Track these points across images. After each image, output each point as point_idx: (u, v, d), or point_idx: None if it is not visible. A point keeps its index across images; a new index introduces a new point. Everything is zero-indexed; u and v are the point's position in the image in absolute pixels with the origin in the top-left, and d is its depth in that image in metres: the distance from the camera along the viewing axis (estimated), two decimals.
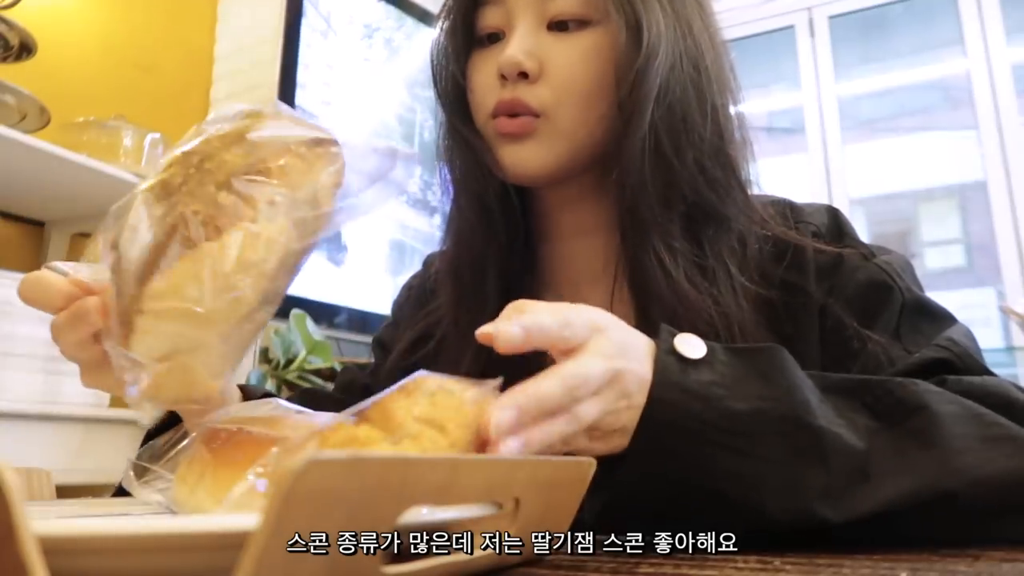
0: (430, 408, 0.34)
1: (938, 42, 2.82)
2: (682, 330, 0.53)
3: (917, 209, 2.99)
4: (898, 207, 2.94)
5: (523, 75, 0.59)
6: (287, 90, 2.06)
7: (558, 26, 0.60)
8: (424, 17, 2.54)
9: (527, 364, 0.44)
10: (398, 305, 0.78)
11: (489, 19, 0.62)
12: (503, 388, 0.38)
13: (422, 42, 2.50)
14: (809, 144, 2.72)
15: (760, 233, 0.61)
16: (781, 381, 0.43)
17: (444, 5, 0.67)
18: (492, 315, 0.55)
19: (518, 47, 0.59)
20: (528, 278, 0.66)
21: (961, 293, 2.74)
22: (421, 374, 0.36)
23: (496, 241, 0.63)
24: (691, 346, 0.44)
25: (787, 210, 0.63)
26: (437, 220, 2.17)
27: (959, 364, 0.51)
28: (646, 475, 0.41)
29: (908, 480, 0.40)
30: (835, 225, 0.62)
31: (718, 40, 0.64)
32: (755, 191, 0.64)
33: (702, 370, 0.43)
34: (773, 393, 0.42)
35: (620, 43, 0.57)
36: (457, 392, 0.35)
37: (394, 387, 0.36)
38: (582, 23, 0.60)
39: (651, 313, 0.57)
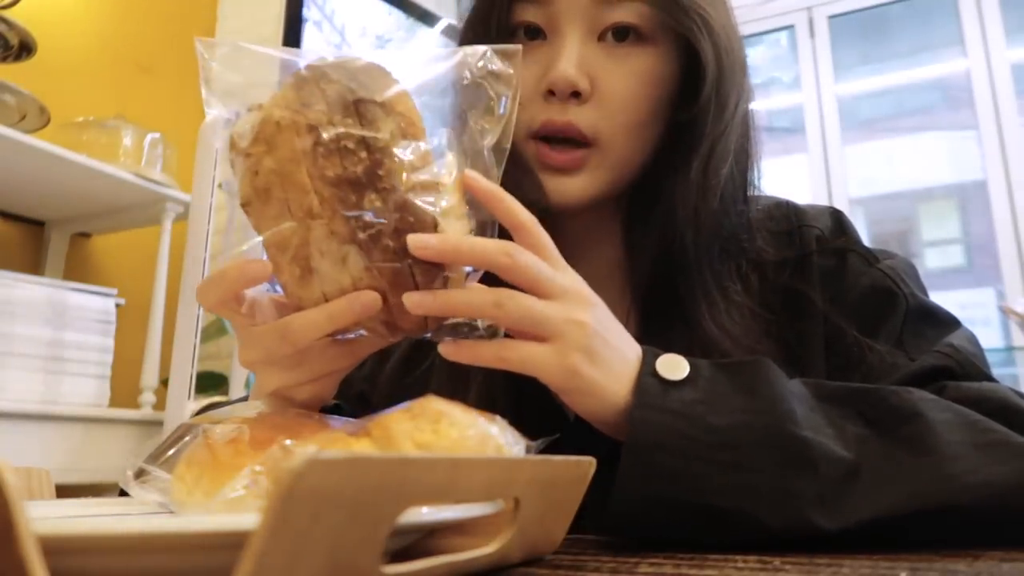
0: (432, 436, 0.34)
1: (938, 42, 2.82)
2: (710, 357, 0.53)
3: (917, 209, 2.99)
4: (898, 207, 2.94)
5: (575, 93, 0.54)
6: None
7: (610, 38, 0.56)
8: (429, 20, 2.55)
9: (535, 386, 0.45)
10: None
11: (528, 15, 0.57)
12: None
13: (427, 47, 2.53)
14: (809, 144, 2.72)
15: (764, 246, 0.60)
16: (765, 393, 0.43)
17: (473, 3, 0.62)
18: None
19: (571, 61, 0.54)
20: None
21: (961, 293, 2.74)
22: (430, 397, 0.37)
23: None
24: (674, 367, 0.44)
25: (791, 213, 0.63)
26: None
27: (959, 371, 0.50)
28: (637, 497, 0.41)
29: (901, 488, 0.40)
30: (838, 228, 0.61)
31: (736, 28, 0.62)
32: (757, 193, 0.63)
33: (684, 390, 0.43)
34: (756, 405, 0.42)
35: (707, 66, 0.55)
36: (461, 424, 0.35)
37: (400, 407, 0.36)
38: (638, 37, 0.56)
39: (679, 344, 0.56)
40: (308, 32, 2.19)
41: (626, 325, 0.60)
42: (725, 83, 0.56)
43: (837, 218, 0.62)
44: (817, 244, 0.60)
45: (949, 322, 0.56)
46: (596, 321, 0.43)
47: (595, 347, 0.43)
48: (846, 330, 0.56)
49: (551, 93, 0.55)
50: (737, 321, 0.56)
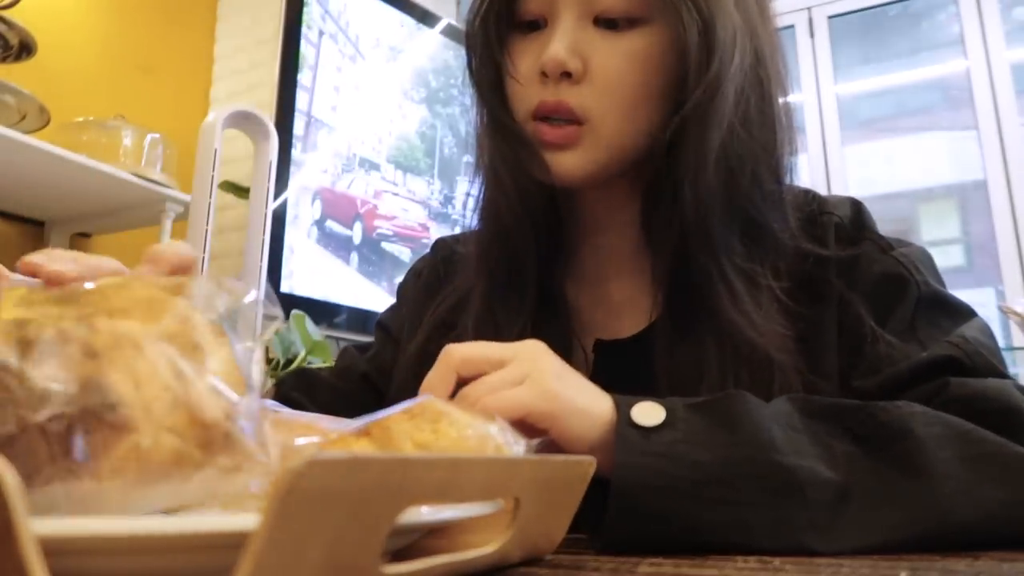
0: (431, 436, 0.34)
1: (938, 42, 2.82)
2: (732, 345, 0.54)
3: (917, 209, 2.99)
4: (898, 207, 2.94)
5: (567, 74, 0.56)
6: (286, 90, 2.06)
7: (605, 23, 0.57)
8: (430, 20, 2.55)
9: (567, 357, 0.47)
10: (404, 288, 0.77)
11: (531, 5, 0.58)
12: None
13: (443, 59, 2.57)
14: (809, 144, 2.72)
15: (791, 242, 0.60)
16: (743, 424, 0.43)
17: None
18: (529, 307, 0.56)
19: (562, 44, 0.55)
20: (558, 269, 0.65)
21: (961, 293, 2.72)
22: (428, 398, 0.37)
23: (533, 234, 0.62)
24: (649, 414, 0.44)
25: (813, 201, 0.63)
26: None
27: (968, 363, 0.50)
28: (628, 539, 0.41)
29: (892, 514, 0.40)
30: (857, 217, 0.61)
31: (774, 29, 0.61)
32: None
33: (663, 433, 0.43)
34: (736, 438, 0.42)
35: (691, 44, 0.54)
36: (460, 423, 0.35)
37: (399, 407, 0.36)
38: (631, 21, 0.56)
39: (701, 329, 0.56)
40: (324, 45, 2.23)
41: (651, 312, 0.60)
42: (716, 66, 0.54)
43: (857, 208, 0.62)
44: (836, 231, 0.60)
45: (964, 312, 0.56)
46: (559, 367, 0.47)
47: (565, 374, 0.46)
48: (858, 316, 0.56)
49: (545, 75, 0.57)
50: (764, 308, 0.56)
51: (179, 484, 0.25)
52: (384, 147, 2.37)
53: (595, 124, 0.56)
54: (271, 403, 0.44)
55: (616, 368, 0.60)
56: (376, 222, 2.21)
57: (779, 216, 0.59)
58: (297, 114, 2.09)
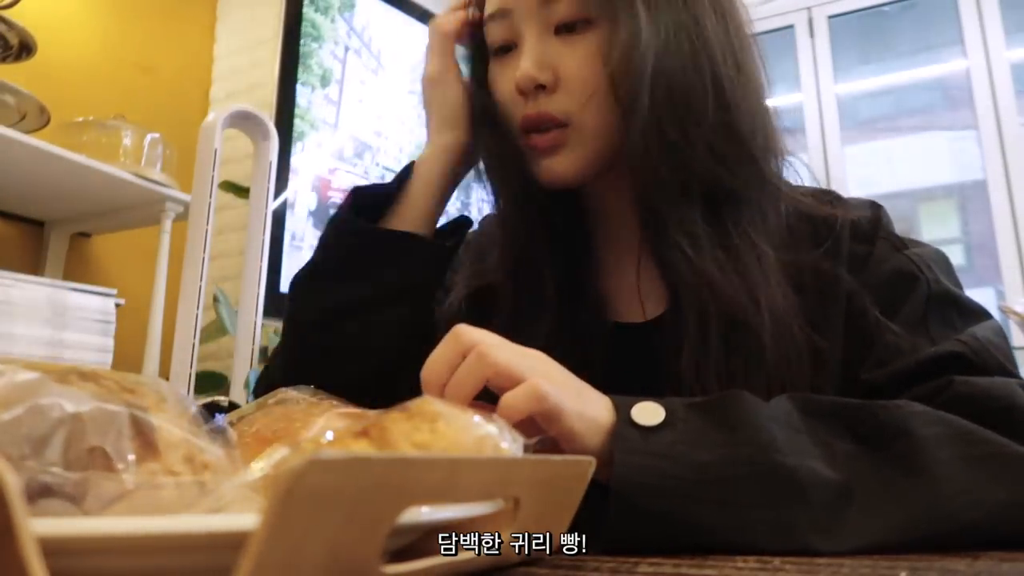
0: (430, 436, 0.34)
1: (938, 42, 2.82)
2: (714, 315, 0.54)
3: (917, 209, 2.99)
4: (898, 207, 2.94)
5: (541, 87, 0.60)
6: (287, 90, 2.06)
7: (565, 29, 0.60)
8: (429, 20, 2.56)
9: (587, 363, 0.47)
10: (458, 258, 0.77)
11: (497, 34, 0.63)
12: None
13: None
14: (809, 144, 2.72)
15: (792, 209, 0.61)
16: (745, 424, 0.42)
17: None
18: (554, 304, 0.60)
19: (529, 60, 0.59)
20: (572, 262, 0.67)
21: None
22: (426, 398, 0.37)
23: (550, 237, 0.65)
24: (649, 413, 0.43)
25: (832, 198, 0.64)
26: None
27: (975, 360, 0.50)
28: (627, 543, 0.40)
29: (894, 515, 0.40)
30: (875, 216, 0.62)
31: (721, 10, 0.62)
32: (787, 163, 0.65)
33: (663, 433, 0.42)
34: (737, 439, 0.42)
35: (616, 35, 0.58)
36: (459, 423, 0.35)
37: (397, 407, 0.36)
38: (586, 23, 0.60)
39: (682, 300, 0.57)
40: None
41: (657, 304, 0.62)
42: (641, 41, 0.57)
43: (876, 208, 0.63)
44: (852, 229, 0.61)
45: (978, 312, 0.56)
46: (559, 370, 0.46)
47: (564, 380, 0.45)
48: (866, 310, 0.56)
49: (522, 92, 0.60)
50: (738, 268, 0.57)
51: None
52: (405, 156, 2.43)
53: (577, 123, 0.60)
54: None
55: (636, 353, 0.62)
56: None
57: (750, 175, 0.60)
58: (324, 125, 2.16)
